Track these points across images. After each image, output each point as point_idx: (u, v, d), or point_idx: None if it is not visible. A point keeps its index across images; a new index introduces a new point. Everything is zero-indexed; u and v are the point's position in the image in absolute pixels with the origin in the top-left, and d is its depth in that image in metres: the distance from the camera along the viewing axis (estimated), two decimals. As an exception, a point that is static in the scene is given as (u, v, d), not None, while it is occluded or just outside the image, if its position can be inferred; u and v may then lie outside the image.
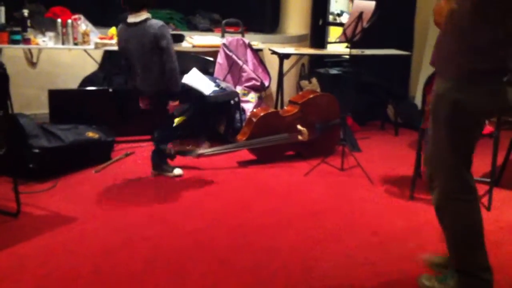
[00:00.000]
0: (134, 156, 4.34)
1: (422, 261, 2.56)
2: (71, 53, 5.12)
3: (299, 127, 4.40)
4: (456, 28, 2.08)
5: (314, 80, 5.85)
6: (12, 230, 2.85)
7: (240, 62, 5.27)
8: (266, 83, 5.47)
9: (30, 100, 5.05)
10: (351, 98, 5.23)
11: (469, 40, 2.05)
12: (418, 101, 6.09)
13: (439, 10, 2.19)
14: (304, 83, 5.91)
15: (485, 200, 3.48)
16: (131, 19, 3.56)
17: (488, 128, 3.71)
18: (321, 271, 2.54)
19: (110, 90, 4.72)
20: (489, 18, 2.00)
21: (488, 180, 3.54)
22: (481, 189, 3.69)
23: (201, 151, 4.21)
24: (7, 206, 3.09)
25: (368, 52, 5.51)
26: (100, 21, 5.21)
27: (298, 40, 6.28)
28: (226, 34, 5.59)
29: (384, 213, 3.31)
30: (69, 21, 4.65)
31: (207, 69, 5.26)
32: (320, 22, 6.24)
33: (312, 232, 2.99)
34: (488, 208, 3.40)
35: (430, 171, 2.28)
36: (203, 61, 5.29)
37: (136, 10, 3.54)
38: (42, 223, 2.96)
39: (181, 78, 3.88)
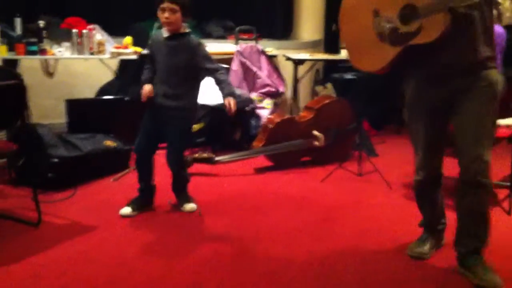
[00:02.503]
0: (151, 164, 4.35)
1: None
2: (87, 63, 5.18)
3: (315, 132, 4.39)
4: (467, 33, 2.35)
5: (329, 85, 5.84)
6: (32, 240, 2.87)
7: (255, 69, 5.29)
8: (281, 89, 5.48)
9: (47, 110, 5.11)
10: (366, 102, 5.21)
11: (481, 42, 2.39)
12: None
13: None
14: (319, 88, 5.90)
15: (505, 204, 3.43)
16: None
17: (506, 132, 3.66)
18: (338, 279, 2.52)
19: (126, 98, 4.76)
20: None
21: (508, 184, 3.49)
22: (501, 193, 3.66)
23: (218, 158, 4.22)
24: (27, 215, 3.12)
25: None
26: (115, 30, 5.25)
27: (312, 45, 6.28)
28: (240, 41, 5.61)
29: (403, 219, 3.28)
30: (85, 31, 4.70)
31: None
32: (334, 27, 6.22)
33: (329, 239, 2.97)
34: (509, 212, 3.35)
35: (483, 157, 2.35)
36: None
37: None
38: (62, 233, 2.98)
39: None
